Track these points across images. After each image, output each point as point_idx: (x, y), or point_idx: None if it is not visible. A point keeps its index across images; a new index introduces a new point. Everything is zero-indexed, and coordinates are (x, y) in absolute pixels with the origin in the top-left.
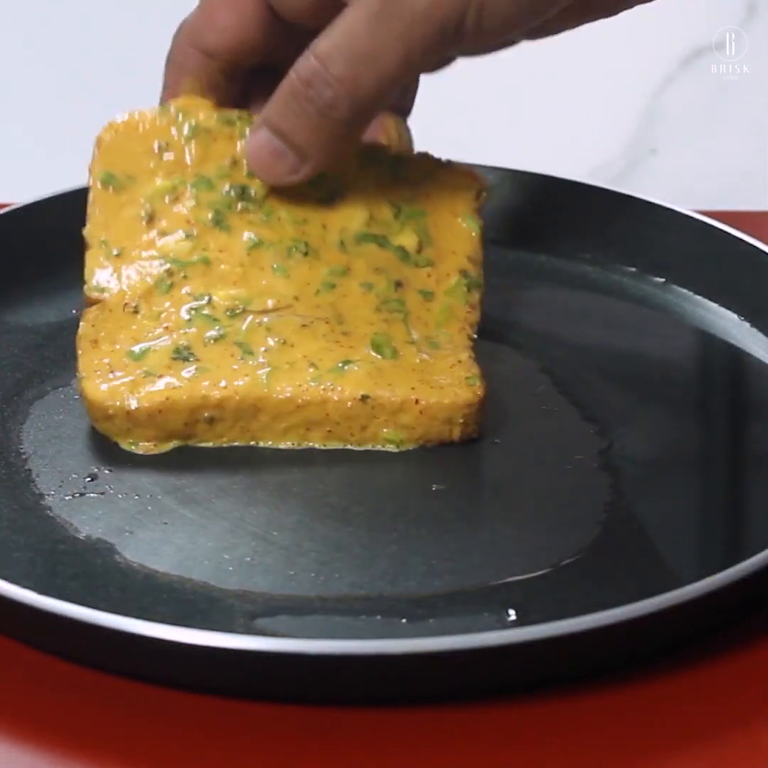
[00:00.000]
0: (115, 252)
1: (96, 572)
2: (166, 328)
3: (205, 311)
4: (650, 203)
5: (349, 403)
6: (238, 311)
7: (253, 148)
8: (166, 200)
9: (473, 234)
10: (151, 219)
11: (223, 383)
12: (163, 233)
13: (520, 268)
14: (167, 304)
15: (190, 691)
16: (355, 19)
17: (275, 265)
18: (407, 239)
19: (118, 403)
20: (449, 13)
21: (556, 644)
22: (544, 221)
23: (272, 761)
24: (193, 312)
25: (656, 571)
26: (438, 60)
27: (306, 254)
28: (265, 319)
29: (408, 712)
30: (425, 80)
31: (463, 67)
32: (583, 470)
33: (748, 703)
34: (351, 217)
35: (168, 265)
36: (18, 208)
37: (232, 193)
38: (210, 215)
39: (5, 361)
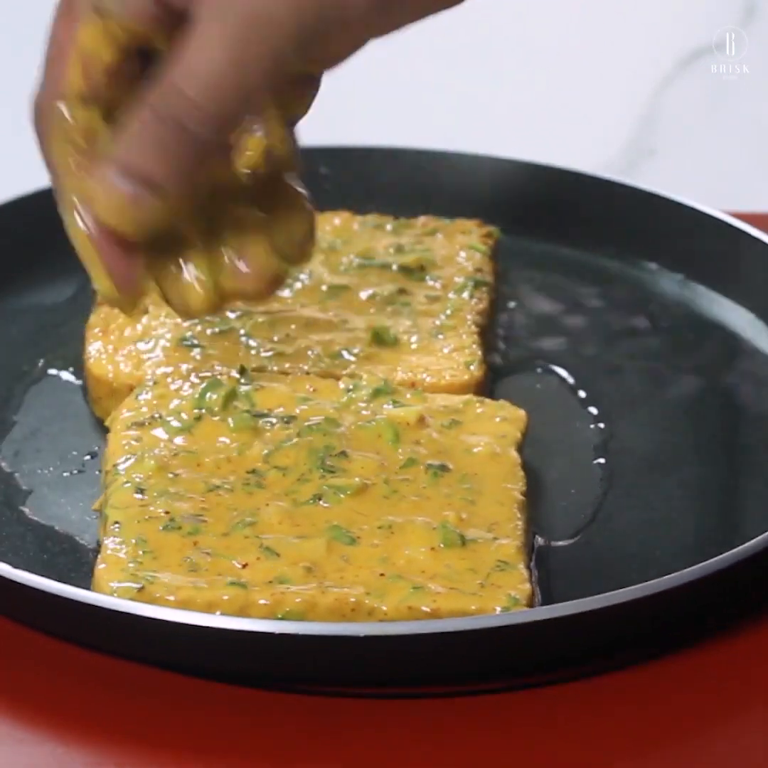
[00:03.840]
0: None
1: (85, 549)
2: (176, 324)
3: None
4: (674, 200)
5: None
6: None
7: (108, 195)
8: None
9: (479, 255)
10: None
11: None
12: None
13: (542, 259)
14: None
15: (180, 672)
16: (210, 43)
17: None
18: (410, 260)
19: (121, 378)
20: (309, 16)
21: (544, 628)
22: (568, 215)
23: (273, 747)
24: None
25: (644, 561)
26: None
27: (310, 276)
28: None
29: (405, 701)
30: (425, 82)
31: (461, 69)
32: (579, 462)
33: (747, 691)
34: (351, 252)
35: None
36: (29, 195)
37: None
38: None
39: (21, 337)
